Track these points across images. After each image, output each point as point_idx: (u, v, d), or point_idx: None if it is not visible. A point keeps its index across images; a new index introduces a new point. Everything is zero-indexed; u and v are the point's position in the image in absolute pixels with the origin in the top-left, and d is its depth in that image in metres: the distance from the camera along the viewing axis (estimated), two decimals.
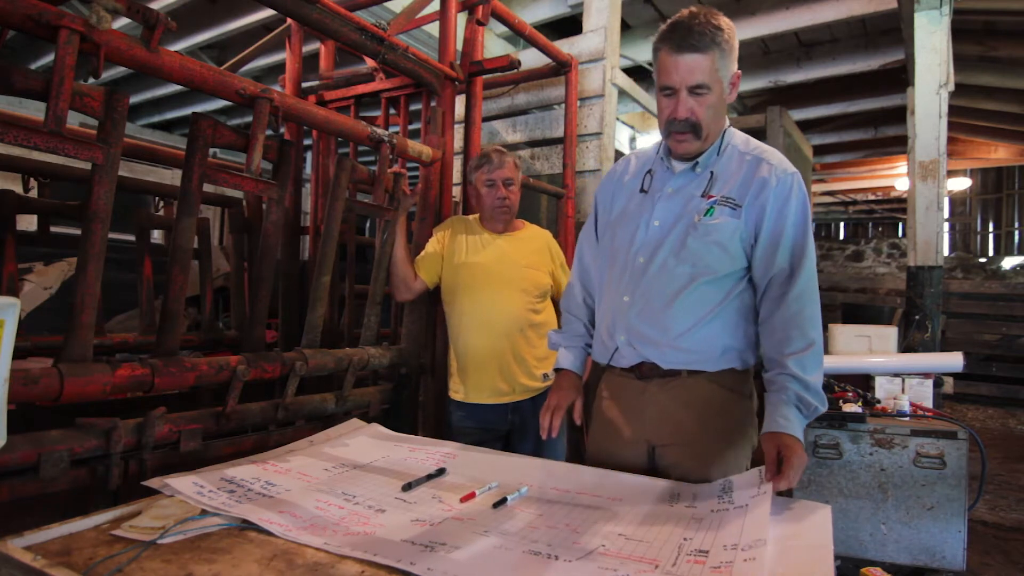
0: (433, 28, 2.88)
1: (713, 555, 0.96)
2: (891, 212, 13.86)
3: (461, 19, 2.50)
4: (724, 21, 1.32)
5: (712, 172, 1.40)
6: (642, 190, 1.48)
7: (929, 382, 2.69)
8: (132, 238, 2.84)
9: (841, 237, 15.31)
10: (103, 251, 1.36)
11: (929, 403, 2.66)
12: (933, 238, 3.87)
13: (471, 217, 2.30)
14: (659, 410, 1.44)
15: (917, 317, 3.84)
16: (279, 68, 3.40)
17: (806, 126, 7.33)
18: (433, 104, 2.42)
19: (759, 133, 6.02)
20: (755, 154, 1.41)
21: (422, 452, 1.51)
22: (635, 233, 1.45)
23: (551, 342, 1.68)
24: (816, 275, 1.38)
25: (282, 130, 2.27)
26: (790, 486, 1.19)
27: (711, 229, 1.36)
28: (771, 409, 1.30)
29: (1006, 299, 7.52)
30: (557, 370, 1.62)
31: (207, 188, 1.61)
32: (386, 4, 3.09)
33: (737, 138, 1.45)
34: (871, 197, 12.48)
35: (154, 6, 2.52)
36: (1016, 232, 12.23)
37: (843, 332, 3.04)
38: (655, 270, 1.40)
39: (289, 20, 2.68)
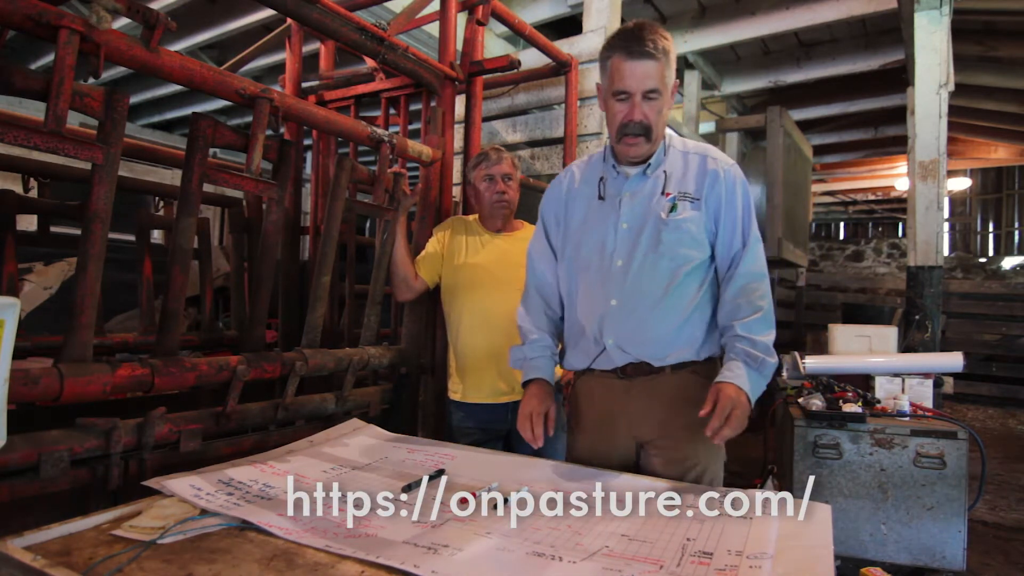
0: (433, 28, 2.88)
1: (718, 557, 0.96)
2: (891, 212, 13.84)
3: (461, 19, 2.50)
4: (666, 32, 1.41)
5: (665, 172, 1.49)
6: (600, 197, 1.53)
7: (929, 382, 2.69)
8: (132, 238, 2.84)
9: (841, 237, 15.29)
10: (103, 251, 1.36)
11: (929, 403, 2.66)
12: (933, 238, 3.86)
13: (471, 217, 2.30)
14: (645, 407, 1.49)
15: (917, 317, 3.84)
16: (279, 68, 3.40)
17: (806, 126, 7.33)
18: (433, 104, 2.42)
19: (759, 133, 6.03)
20: (697, 152, 1.52)
21: (421, 453, 1.51)
22: (605, 238, 1.49)
23: (514, 359, 1.61)
24: (763, 254, 1.50)
25: (282, 130, 2.27)
26: (721, 427, 1.27)
27: (680, 223, 1.45)
28: (722, 368, 1.40)
29: (1006, 299, 7.53)
30: (526, 383, 1.55)
31: (207, 188, 1.61)
32: (386, 4, 3.08)
33: (674, 140, 1.55)
34: (871, 197, 12.47)
35: (154, 6, 2.52)
36: (1016, 232, 12.21)
37: (843, 332, 3.04)
38: (636, 269, 1.46)
39: (289, 20, 2.68)
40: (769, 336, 1.41)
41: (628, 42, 1.37)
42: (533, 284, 1.65)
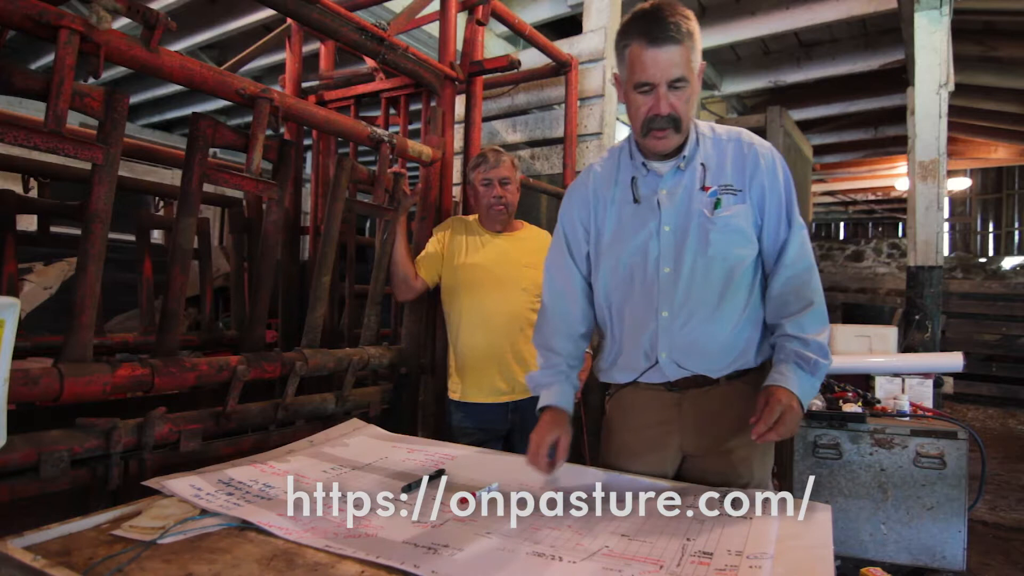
0: (433, 28, 2.88)
1: (717, 558, 0.96)
2: (891, 212, 13.85)
3: (461, 19, 2.50)
4: (688, 11, 1.24)
5: (703, 164, 1.35)
6: (635, 200, 1.38)
7: (929, 382, 2.69)
8: (132, 238, 2.84)
9: (841, 237, 15.30)
10: (103, 251, 1.36)
11: (929, 403, 2.66)
12: (933, 238, 3.87)
13: (471, 217, 2.30)
14: (697, 421, 1.40)
15: (917, 317, 3.84)
16: (279, 68, 3.40)
17: (806, 126, 7.33)
18: (433, 104, 2.41)
19: (759, 133, 6.02)
20: (730, 136, 1.39)
21: (421, 453, 1.51)
22: (647, 244, 1.36)
23: (531, 385, 1.51)
24: (809, 241, 1.38)
25: (282, 130, 2.27)
26: (770, 431, 1.20)
27: (728, 220, 1.32)
28: (772, 369, 1.31)
29: (1006, 299, 7.53)
30: (542, 409, 1.43)
31: (207, 188, 1.61)
32: (386, 4, 3.08)
33: (701, 126, 1.40)
34: (871, 197, 12.48)
35: (154, 6, 2.52)
36: (1016, 232, 12.22)
37: (843, 332, 3.04)
38: (687, 276, 1.34)
39: (289, 20, 2.68)
40: (823, 333, 1.30)
41: (648, 26, 1.20)
42: (550, 301, 1.50)
